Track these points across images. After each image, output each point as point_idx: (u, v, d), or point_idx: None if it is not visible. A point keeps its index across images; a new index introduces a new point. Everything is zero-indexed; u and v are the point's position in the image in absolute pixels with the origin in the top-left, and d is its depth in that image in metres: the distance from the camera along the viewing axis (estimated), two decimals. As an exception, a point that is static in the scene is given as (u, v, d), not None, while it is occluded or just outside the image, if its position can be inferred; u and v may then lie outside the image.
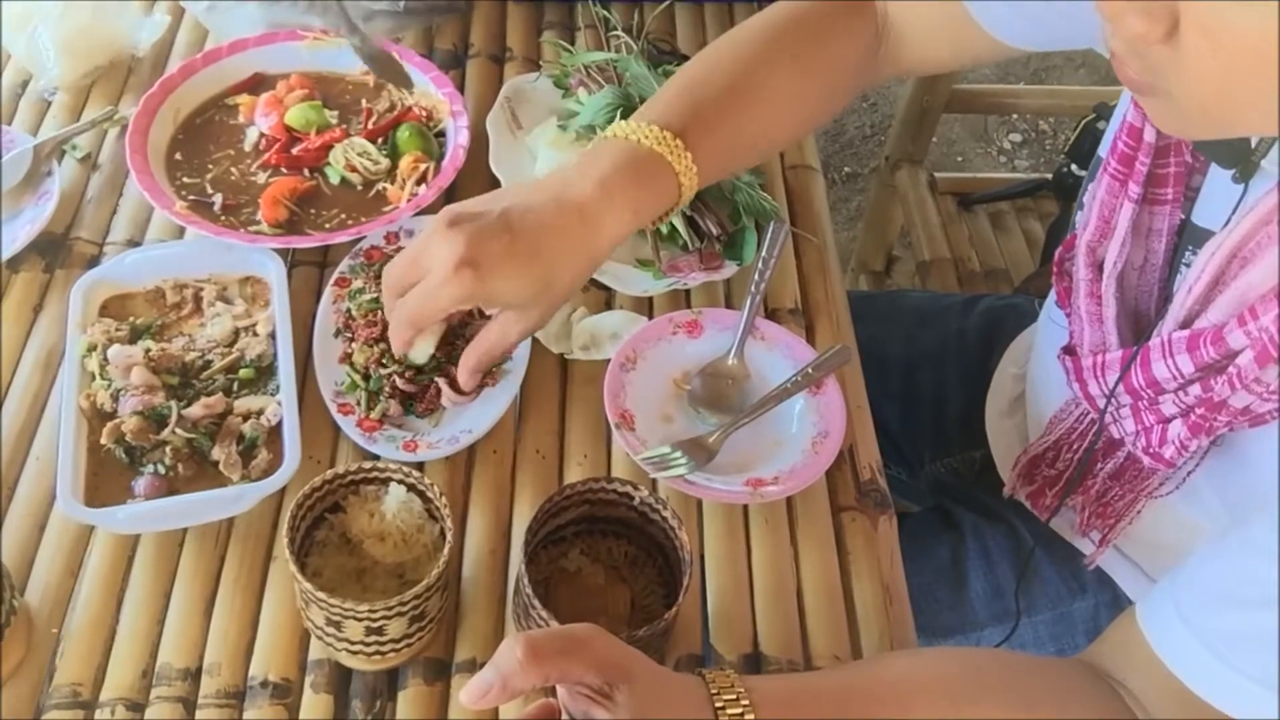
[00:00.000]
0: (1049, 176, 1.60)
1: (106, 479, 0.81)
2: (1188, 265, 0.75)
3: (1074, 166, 1.51)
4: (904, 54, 0.90)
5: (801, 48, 0.85)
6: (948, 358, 1.17)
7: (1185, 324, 0.71)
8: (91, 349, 0.86)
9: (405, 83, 1.08)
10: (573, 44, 1.18)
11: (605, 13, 1.18)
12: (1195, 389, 0.71)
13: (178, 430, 0.82)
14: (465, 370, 0.84)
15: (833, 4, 0.87)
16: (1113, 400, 0.79)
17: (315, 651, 0.76)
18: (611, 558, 0.80)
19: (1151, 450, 0.78)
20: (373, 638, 0.71)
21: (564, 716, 0.60)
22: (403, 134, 1.04)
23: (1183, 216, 0.75)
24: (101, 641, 0.76)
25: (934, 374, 1.17)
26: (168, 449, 0.81)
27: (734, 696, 0.62)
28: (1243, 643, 0.63)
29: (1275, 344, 0.63)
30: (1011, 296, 1.28)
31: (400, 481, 0.75)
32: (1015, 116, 2.62)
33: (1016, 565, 1.00)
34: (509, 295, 0.75)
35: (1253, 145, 0.66)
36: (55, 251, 0.97)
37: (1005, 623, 0.98)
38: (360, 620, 0.69)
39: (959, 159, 2.56)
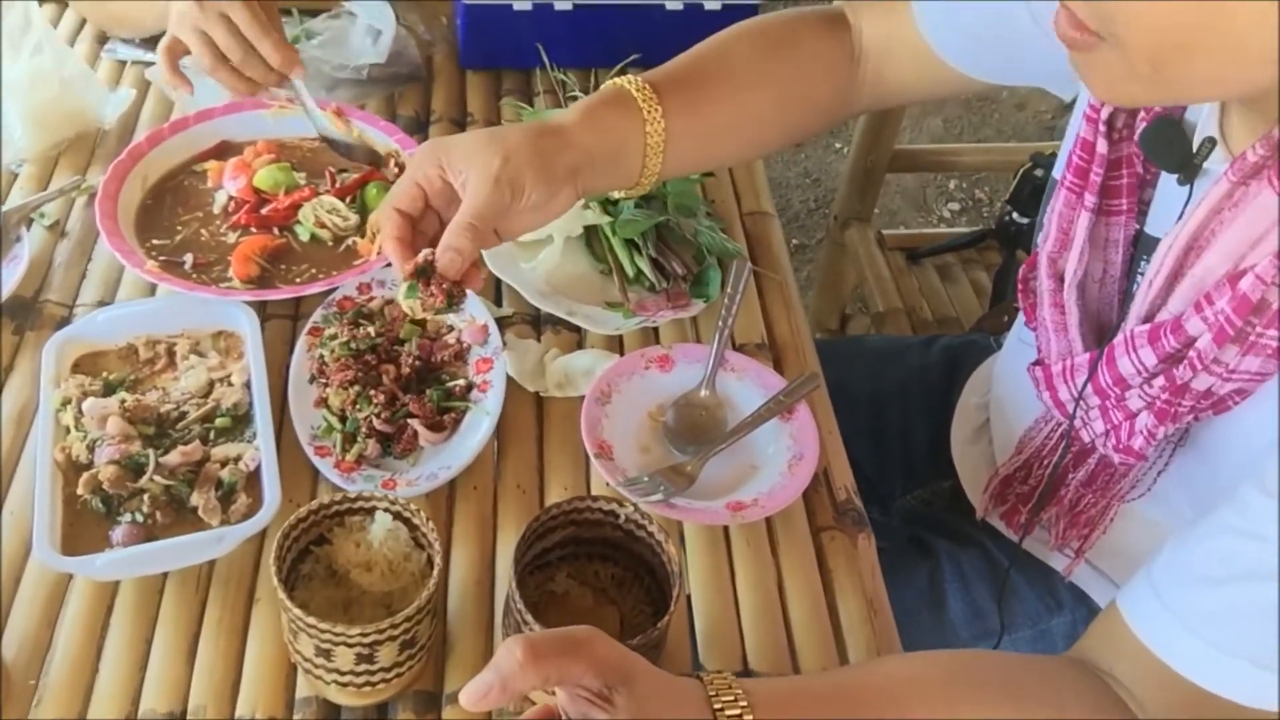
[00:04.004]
0: (992, 226, 1.65)
1: (83, 529, 0.80)
2: (1144, 275, 0.79)
3: (1015, 214, 1.56)
4: (881, 77, 0.95)
5: (775, 36, 0.91)
6: (911, 393, 1.20)
7: (1147, 319, 0.74)
8: (66, 403, 0.86)
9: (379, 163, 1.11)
10: (531, 107, 1.22)
11: (562, 76, 1.23)
12: (1159, 381, 0.74)
13: (155, 478, 0.82)
14: (452, 244, 0.77)
15: (811, 12, 0.94)
16: (1082, 403, 0.82)
17: (303, 689, 0.75)
18: (599, 580, 0.80)
19: (1122, 446, 0.80)
20: (363, 666, 0.70)
21: (563, 719, 0.60)
22: (371, 192, 1.06)
23: (1138, 227, 0.79)
24: (81, 691, 0.75)
25: (899, 410, 1.19)
26: (146, 497, 0.81)
27: (732, 698, 0.62)
28: (1217, 619, 0.65)
29: (1231, 324, 0.66)
30: (968, 334, 1.32)
31: (386, 509, 0.75)
32: (953, 186, 2.71)
33: (993, 586, 1.01)
34: (463, 145, 0.78)
35: (1194, 149, 0.70)
36: (25, 314, 0.97)
37: (986, 642, 0.99)
38: (352, 645, 0.68)
39: (901, 227, 2.63)
